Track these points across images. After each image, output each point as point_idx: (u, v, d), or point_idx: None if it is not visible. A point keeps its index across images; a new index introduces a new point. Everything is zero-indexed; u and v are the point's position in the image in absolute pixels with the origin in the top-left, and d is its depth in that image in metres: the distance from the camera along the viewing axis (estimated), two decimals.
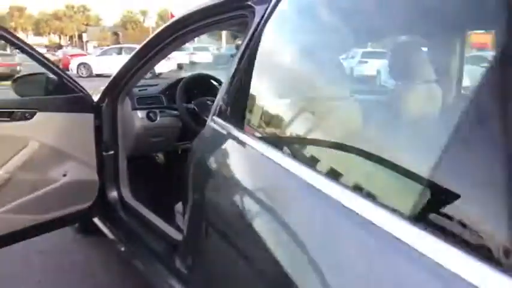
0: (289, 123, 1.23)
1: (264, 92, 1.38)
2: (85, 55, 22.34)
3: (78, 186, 2.24)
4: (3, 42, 2.00)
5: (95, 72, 17.42)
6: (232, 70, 1.40)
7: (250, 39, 1.32)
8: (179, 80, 2.59)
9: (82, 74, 17.55)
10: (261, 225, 0.97)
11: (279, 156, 1.02)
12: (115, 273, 2.54)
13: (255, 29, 1.31)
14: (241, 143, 1.22)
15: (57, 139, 2.11)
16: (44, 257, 2.67)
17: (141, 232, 2.23)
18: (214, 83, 2.76)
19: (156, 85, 2.73)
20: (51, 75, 2.19)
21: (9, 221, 1.96)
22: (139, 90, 2.57)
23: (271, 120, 1.32)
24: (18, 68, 14.62)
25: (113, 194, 2.54)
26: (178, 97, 2.42)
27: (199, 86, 2.67)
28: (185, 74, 3.46)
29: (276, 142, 1.15)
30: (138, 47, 2.19)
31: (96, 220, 2.57)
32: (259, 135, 1.23)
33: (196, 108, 2.48)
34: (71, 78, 2.18)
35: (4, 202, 1.93)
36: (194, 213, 1.41)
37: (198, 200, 1.38)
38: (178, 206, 2.25)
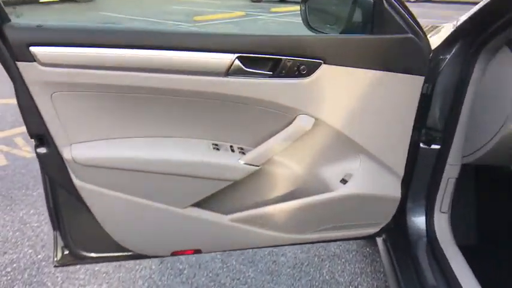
0: None
1: None
2: None
3: (364, 203, 1.26)
4: None
5: None
6: None
7: None
8: None
9: None
10: None
11: None
12: None
13: None
14: None
15: (345, 117, 1.13)
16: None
17: None
18: None
19: None
20: None
21: (245, 234, 1.22)
22: None
23: None
24: None
25: (417, 219, 1.43)
26: None
27: None
28: None
29: None
30: None
31: (378, 239, 1.60)
32: None
33: None
34: (398, 1, 1.07)
35: (242, 206, 1.19)
36: None
37: None
38: None
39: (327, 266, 1.89)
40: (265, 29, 8.80)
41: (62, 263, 1.30)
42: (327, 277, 1.83)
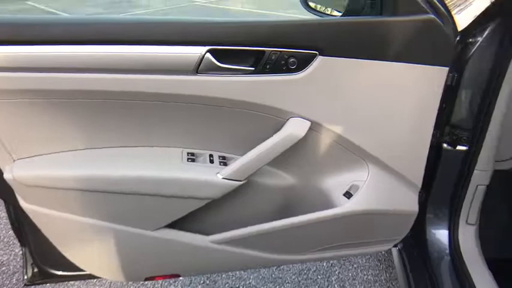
0: None
1: None
2: None
3: (374, 220, 1.06)
4: None
5: None
6: None
7: None
8: None
9: None
10: None
11: None
12: None
13: None
14: None
15: (348, 119, 0.92)
16: None
17: None
18: None
19: None
20: None
21: (232, 256, 1.05)
22: None
23: None
24: None
25: (439, 232, 1.23)
26: None
27: None
28: None
29: None
30: None
31: (393, 249, 1.41)
32: None
33: None
34: None
35: (227, 225, 1.01)
36: None
37: None
38: None
39: (337, 272, 1.72)
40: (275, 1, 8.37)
41: (32, 281, 1.18)
42: (336, 285, 1.65)
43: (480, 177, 1.12)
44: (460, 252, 1.18)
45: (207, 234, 1.01)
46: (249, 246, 1.03)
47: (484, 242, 1.20)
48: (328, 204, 1.00)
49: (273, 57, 0.83)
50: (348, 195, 1.00)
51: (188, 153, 0.94)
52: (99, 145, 0.89)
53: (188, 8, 8.14)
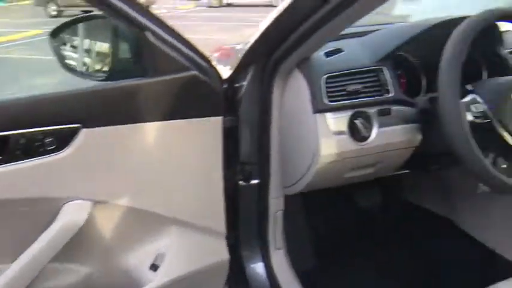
0: None
1: None
2: None
3: (188, 283, 1.00)
4: None
5: (225, 0, 15.88)
6: None
7: None
8: (446, 24, 0.99)
9: (212, 2, 14.78)
10: None
11: None
12: None
13: None
14: None
15: (134, 188, 0.85)
16: None
17: None
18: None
19: (367, 34, 1.19)
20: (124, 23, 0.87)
21: None
22: (328, 55, 1.10)
23: None
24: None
25: (256, 265, 1.26)
26: (445, 74, 0.85)
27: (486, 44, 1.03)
28: None
29: None
30: None
31: None
32: None
33: (487, 108, 0.90)
34: (170, 32, 0.82)
35: None
36: None
37: None
38: None
39: None
40: None
41: None
42: None
43: (276, 204, 1.20)
44: (276, 278, 1.25)
45: None
46: None
47: (294, 260, 1.31)
48: (136, 284, 0.90)
49: (21, 141, 0.68)
50: (154, 267, 0.91)
51: None
52: None
53: None
